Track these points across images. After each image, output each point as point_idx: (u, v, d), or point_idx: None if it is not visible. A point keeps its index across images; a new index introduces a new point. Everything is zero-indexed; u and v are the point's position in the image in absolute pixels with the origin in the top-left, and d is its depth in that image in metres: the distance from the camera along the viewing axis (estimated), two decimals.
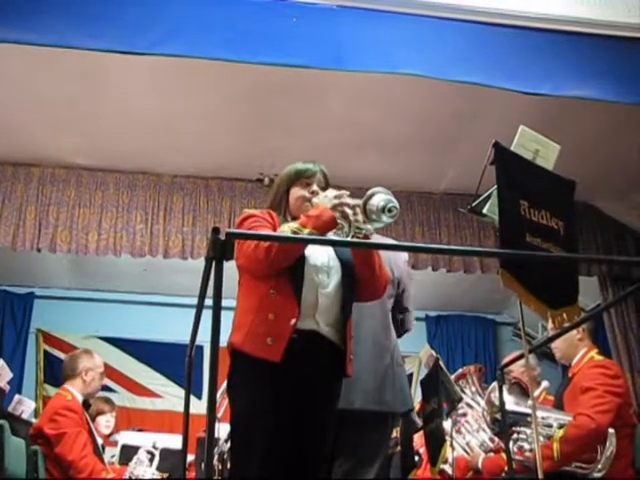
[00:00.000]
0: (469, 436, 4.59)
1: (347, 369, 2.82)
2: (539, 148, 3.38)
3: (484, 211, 3.38)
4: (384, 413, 3.35)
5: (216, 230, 2.00)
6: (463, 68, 4.34)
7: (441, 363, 4.60)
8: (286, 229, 2.68)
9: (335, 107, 5.42)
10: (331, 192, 2.79)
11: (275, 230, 2.79)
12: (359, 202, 2.70)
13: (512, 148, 3.28)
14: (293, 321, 2.67)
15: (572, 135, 4.89)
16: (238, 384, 2.71)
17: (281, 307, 2.69)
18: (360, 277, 2.86)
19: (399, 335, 3.65)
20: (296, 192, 2.97)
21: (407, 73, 4.29)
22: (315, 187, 2.96)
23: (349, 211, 2.70)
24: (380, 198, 2.60)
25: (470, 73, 4.34)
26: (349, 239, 2.72)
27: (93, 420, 5.23)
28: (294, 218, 2.88)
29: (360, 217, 2.70)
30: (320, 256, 2.84)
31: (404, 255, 3.70)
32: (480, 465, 4.47)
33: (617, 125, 5.38)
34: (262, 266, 2.65)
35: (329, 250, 2.89)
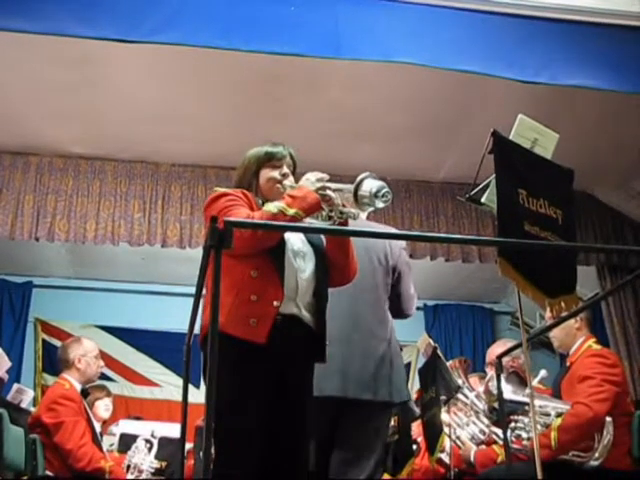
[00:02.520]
0: (459, 430, 4.60)
1: (324, 355, 2.82)
2: (538, 137, 3.38)
3: (482, 200, 3.37)
4: (380, 403, 3.35)
5: (214, 219, 2.00)
6: (461, 57, 4.33)
7: (439, 352, 4.61)
8: (271, 208, 2.66)
9: (332, 96, 5.41)
10: (312, 175, 2.77)
11: (252, 209, 2.77)
12: (341, 186, 2.70)
13: (511, 137, 3.28)
14: (276, 303, 2.66)
15: (571, 124, 4.89)
16: (221, 366, 2.66)
17: (264, 289, 2.67)
18: (333, 262, 2.86)
19: (398, 317, 3.66)
20: (266, 173, 2.94)
21: (404, 62, 4.28)
22: (285, 169, 2.95)
23: (332, 194, 2.69)
24: (372, 184, 2.57)
25: (468, 62, 4.33)
26: (352, 228, 2.72)
27: (91, 408, 5.24)
28: (264, 200, 2.88)
29: (340, 201, 2.69)
30: (295, 241, 2.85)
31: (401, 243, 3.69)
32: (472, 458, 4.48)
33: (616, 114, 5.37)
34: (246, 245, 2.60)
35: (301, 235, 2.90)
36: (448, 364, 4.71)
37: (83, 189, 6.28)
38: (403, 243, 3.74)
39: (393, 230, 4.07)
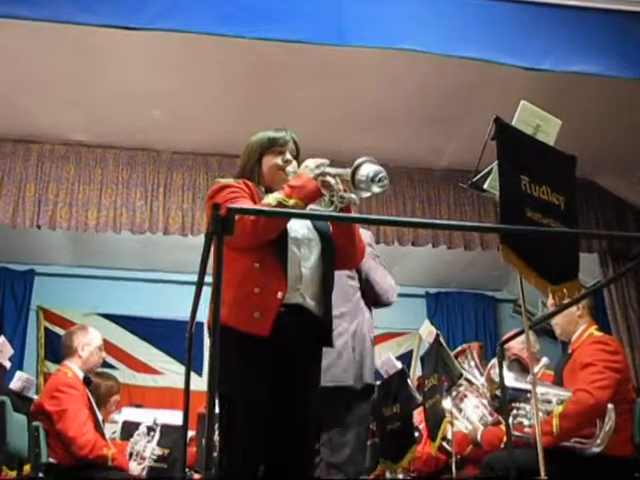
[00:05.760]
0: (469, 410, 4.62)
1: (330, 339, 2.84)
2: (540, 123, 3.37)
3: (485, 187, 3.37)
4: (337, 388, 3.47)
5: (216, 206, 1.99)
6: (464, 43, 4.32)
7: (441, 339, 4.62)
8: (271, 200, 2.64)
9: (335, 84, 5.40)
10: (311, 161, 2.74)
11: (254, 200, 2.76)
12: (341, 171, 2.67)
13: (513, 123, 3.27)
14: (280, 294, 2.65)
15: (573, 110, 4.88)
16: (224, 360, 2.65)
17: (267, 281, 2.66)
18: (339, 247, 2.84)
19: (379, 306, 3.82)
20: (269, 161, 2.92)
21: (407, 49, 4.27)
22: (289, 156, 2.93)
23: (332, 180, 2.67)
24: (369, 168, 2.55)
25: (470, 48, 4.32)
26: (357, 215, 2.71)
27: (107, 402, 5.25)
28: (268, 187, 2.87)
29: (342, 186, 2.67)
30: (299, 228, 2.82)
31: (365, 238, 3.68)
32: (479, 437, 4.50)
33: (619, 101, 5.35)
34: (248, 239, 2.60)
35: (307, 222, 2.87)
36: (463, 346, 4.73)
37: (85, 177, 6.28)
38: (367, 238, 3.72)
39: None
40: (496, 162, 3.12)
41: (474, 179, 3.46)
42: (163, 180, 6.37)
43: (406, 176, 6.63)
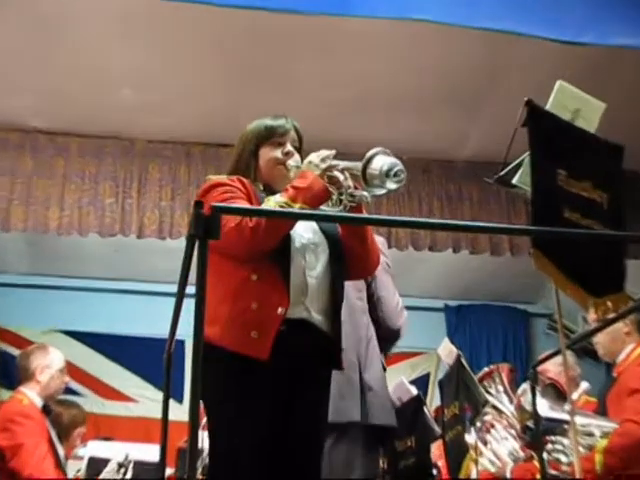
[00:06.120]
0: (496, 444, 4.61)
1: (339, 361, 2.83)
2: (580, 107, 3.38)
3: (514, 182, 3.38)
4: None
5: (199, 204, 1.99)
6: (489, 13, 4.33)
7: (463, 361, 4.62)
8: (272, 204, 2.64)
9: (340, 60, 5.41)
10: (315, 155, 2.73)
11: (251, 201, 2.75)
12: (350, 165, 2.66)
13: (548, 107, 3.28)
14: (280, 310, 2.64)
15: (619, 91, 4.89)
16: (216, 387, 2.63)
17: (266, 294, 2.65)
18: (349, 251, 2.83)
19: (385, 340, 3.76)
20: (267, 153, 2.92)
21: (423, 19, 4.27)
22: (289, 147, 2.93)
23: (340, 175, 2.67)
24: (383, 161, 2.53)
25: (497, 19, 4.33)
26: (364, 215, 2.70)
27: (70, 434, 5.24)
28: (266, 185, 2.87)
29: (351, 182, 2.67)
30: (304, 232, 2.82)
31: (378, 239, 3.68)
32: (508, 475, 4.49)
33: None
34: (246, 247, 2.60)
35: (313, 225, 2.87)
36: (490, 367, 4.73)
37: (44, 169, 6.28)
38: (380, 245, 3.72)
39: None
40: (528, 153, 3.13)
41: (501, 173, 3.47)
42: (137, 173, 6.38)
43: (422, 169, 6.64)
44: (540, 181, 3.05)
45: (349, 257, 2.84)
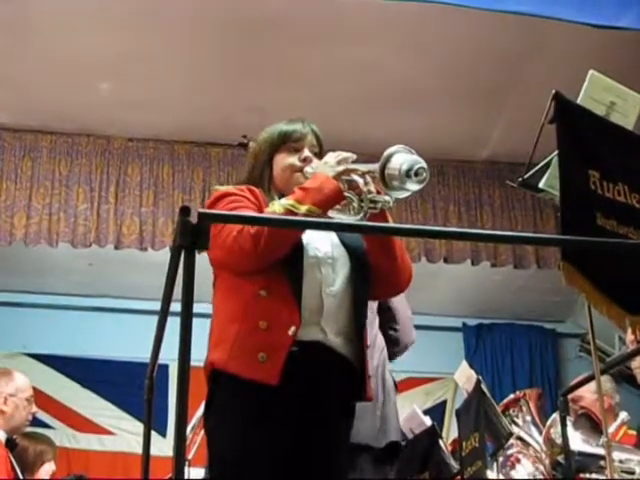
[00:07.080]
0: None
1: (366, 390, 2.81)
2: (615, 100, 3.39)
3: (540, 185, 3.38)
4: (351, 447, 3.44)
5: (186, 210, 1.99)
6: None
7: (484, 387, 4.62)
8: (277, 207, 2.64)
9: (345, 49, 5.42)
10: (331, 157, 2.75)
11: (261, 210, 2.75)
12: (372, 167, 2.65)
13: (579, 101, 3.29)
14: (292, 329, 2.64)
15: None
16: (220, 416, 2.68)
17: (275, 312, 2.66)
18: (376, 268, 2.82)
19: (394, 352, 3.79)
20: (282, 160, 2.93)
21: (439, 2, 4.29)
22: (307, 152, 2.93)
23: (359, 179, 2.67)
24: (403, 158, 2.53)
25: (524, 1, 4.34)
26: (367, 222, 2.70)
27: (36, 472, 5.23)
28: (281, 194, 2.86)
29: (373, 187, 2.67)
30: (321, 244, 2.81)
31: None
32: None
33: None
34: (248, 259, 2.61)
35: (332, 235, 2.86)
36: (516, 394, 4.73)
37: (9, 171, 6.29)
38: None
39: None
40: (556, 152, 3.13)
41: (526, 175, 3.47)
42: (115, 175, 6.39)
43: (437, 171, 6.65)
44: (570, 184, 3.05)
45: (375, 274, 2.84)
